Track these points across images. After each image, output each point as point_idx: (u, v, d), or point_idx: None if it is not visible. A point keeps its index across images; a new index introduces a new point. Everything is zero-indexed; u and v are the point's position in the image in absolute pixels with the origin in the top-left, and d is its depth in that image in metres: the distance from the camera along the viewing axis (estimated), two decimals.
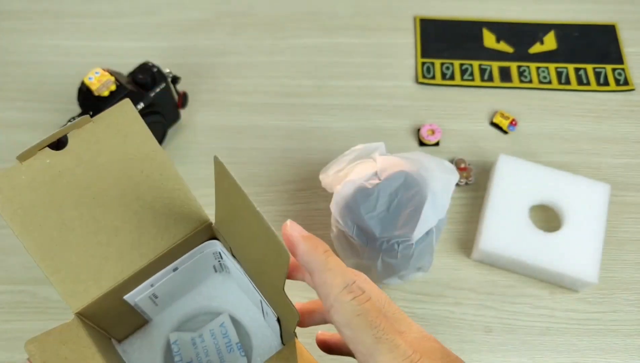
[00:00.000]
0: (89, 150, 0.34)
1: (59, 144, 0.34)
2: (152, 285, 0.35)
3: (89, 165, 0.34)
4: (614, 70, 0.64)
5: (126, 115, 0.35)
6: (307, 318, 0.32)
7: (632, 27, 0.67)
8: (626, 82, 0.63)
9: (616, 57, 0.65)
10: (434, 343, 0.27)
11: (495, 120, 0.60)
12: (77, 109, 0.52)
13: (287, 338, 0.33)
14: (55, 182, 0.33)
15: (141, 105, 0.52)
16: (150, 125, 0.54)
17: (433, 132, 0.58)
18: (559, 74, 0.63)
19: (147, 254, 0.33)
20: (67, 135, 0.34)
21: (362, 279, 0.29)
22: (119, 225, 0.34)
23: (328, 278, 0.26)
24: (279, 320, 0.33)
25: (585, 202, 0.51)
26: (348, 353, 0.32)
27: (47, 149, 0.33)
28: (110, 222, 0.34)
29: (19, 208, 0.32)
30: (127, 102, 0.35)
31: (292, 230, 0.28)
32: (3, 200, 0.32)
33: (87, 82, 0.49)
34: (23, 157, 0.33)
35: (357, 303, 0.25)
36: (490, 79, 0.63)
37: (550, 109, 0.61)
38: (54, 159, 0.33)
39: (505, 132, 0.59)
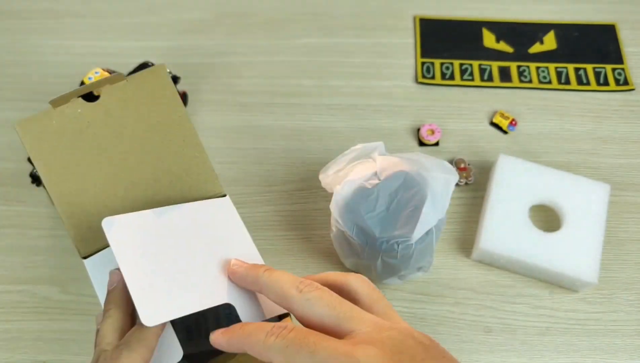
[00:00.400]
0: (119, 107, 0.35)
1: (90, 96, 0.35)
2: None
3: (117, 121, 0.35)
4: (613, 70, 0.64)
5: (159, 79, 0.36)
6: None
7: (632, 27, 0.67)
8: (626, 82, 0.63)
9: (616, 57, 0.65)
10: (390, 331, 0.27)
11: (495, 120, 0.60)
12: None
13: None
14: (83, 131, 0.35)
15: None
16: None
17: (433, 132, 0.58)
18: (558, 74, 0.63)
19: None
20: (101, 89, 0.35)
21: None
22: (136, 181, 0.35)
23: (253, 344, 0.28)
24: None
25: (585, 202, 0.51)
26: None
27: (80, 99, 0.35)
28: (129, 177, 0.35)
29: (46, 150, 0.34)
30: (162, 67, 0.37)
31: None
32: (32, 140, 0.34)
33: (86, 82, 0.49)
34: (56, 103, 0.34)
35: (281, 339, 0.27)
36: (490, 78, 0.63)
37: (550, 109, 0.61)
38: (85, 109, 0.35)
39: (505, 132, 0.59)
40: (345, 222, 0.44)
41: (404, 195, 0.44)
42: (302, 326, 0.28)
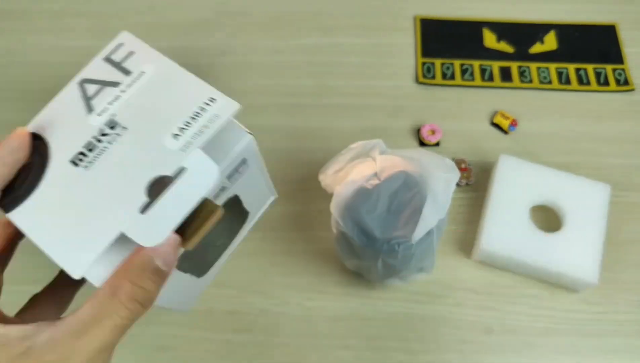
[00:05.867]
0: None
1: None
2: None
3: None
4: (614, 70, 0.64)
5: None
6: None
7: (632, 27, 0.67)
8: (626, 82, 0.63)
9: (616, 57, 0.65)
10: None
11: (495, 121, 0.60)
12: None
13: None
14: None
15: None
16: None
17: (433, 132, 0.58)
18: (559, 74, 0.63)
19: None
20: None
21: None
22: None
23: None
24: None
25: (585, 202, 0.51)
26: None
27: None
28: None
29: None
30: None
31: None
32: None
33: None
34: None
35: None
36: (491, 79, 0.63)
37: (551, 109, 0.61)
38: None
39: (505, 132, 0.59)
40: (345, 223, 0.44)
41: (405, 196, 0.44)
42: None
